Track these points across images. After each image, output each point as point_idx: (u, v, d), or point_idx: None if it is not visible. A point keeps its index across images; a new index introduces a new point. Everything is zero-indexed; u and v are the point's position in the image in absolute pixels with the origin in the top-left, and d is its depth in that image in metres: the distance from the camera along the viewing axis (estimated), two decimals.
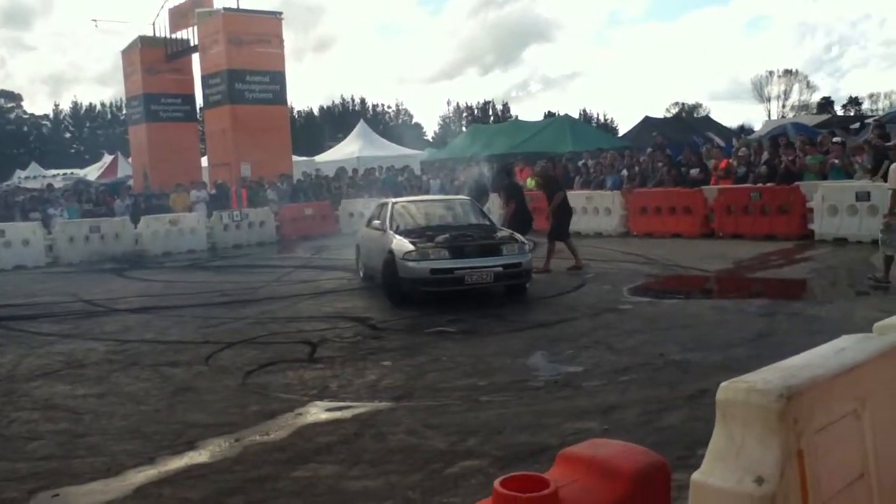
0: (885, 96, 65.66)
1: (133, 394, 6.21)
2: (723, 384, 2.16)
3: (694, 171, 17.09)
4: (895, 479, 2.38)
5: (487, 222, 11.26)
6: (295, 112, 63.39)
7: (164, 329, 8.97)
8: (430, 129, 78.03)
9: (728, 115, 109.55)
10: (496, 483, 1.54)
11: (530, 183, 20.88)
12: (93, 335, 8.76)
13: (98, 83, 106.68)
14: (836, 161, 14.57)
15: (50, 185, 25.12)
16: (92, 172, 38.21)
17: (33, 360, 7.58)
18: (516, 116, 54.84)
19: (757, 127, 34.75)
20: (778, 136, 18.58)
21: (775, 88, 69.59)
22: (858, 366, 2.28)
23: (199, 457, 4.71)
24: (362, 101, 76.61)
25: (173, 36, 29.23)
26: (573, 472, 1.67)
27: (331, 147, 40.99)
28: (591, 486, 1.61)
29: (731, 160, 16.97)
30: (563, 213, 12.71)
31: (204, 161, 29.76)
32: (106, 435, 5.22)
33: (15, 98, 70.13)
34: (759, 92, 70.36)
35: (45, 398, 6.19)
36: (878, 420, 2.31)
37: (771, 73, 70.06)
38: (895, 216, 8.80)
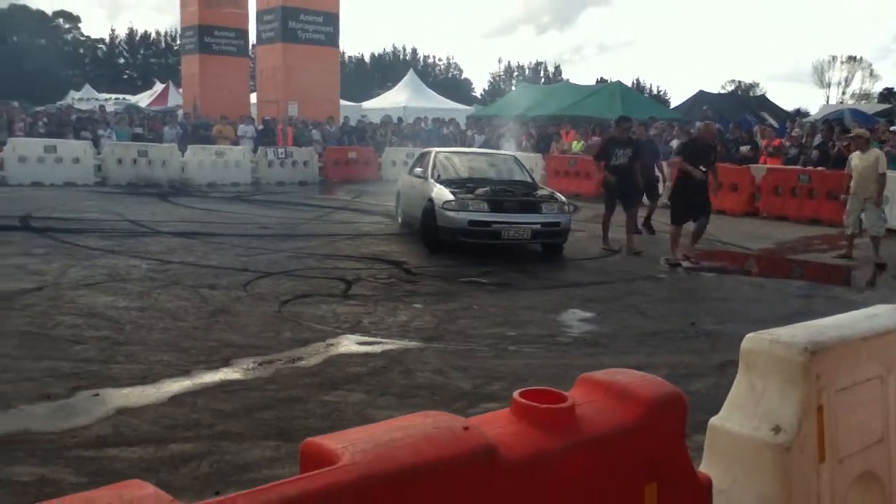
0: None
1: (172, 310, 6.42)
2: (748, 335, 2.20)
3: (744, 149, 16.78)
4: None
5: (529, 179, 11.24)
6: (346, 57, 63.15)
7: (204, 254, 9.19)
8: (479, 85, 77.40)
9: (785, 97, 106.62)
10: (516, 394, 1.61)
11: (576, 146, 20.72)
12: (136, 253, 9.02)
13: (155, 10, 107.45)
14: (891, 149, 14.18)
15: (102, 108, 25.53)
16: (143, 99, 38.67)
17: (78, 271, 7.85)
18: (567, 80, 54.02)
19: (813, 111, 33.85)
20: (833, 121, 18.13)
21: (837, 74, 67.47)
22: (888, 332, 2.30)
23: (232, 373, 4.89)
24: (413, 51, 76.14)
25: None
26: (591, 393, 1.73)
27: (379, 95, 40.91)
28: (606, 407, 1.68)
29: (783, 140, 16.63)
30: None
31: (253, 97, 29.95)
32: (145, 345, 5.43)
33: (73, 19, 70.65)
34: (820, 76, 68.27)
35: (89, 307, 6.43)
36: None
37: (834, 58, 67.87)
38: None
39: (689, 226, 9.93)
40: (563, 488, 1.57)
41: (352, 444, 1.35)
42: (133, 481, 1.18)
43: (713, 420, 2.18)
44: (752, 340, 2.18)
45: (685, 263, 9.61)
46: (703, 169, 9.54)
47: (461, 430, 1.48)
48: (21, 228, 10.65)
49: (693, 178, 9.47)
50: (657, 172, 12.98)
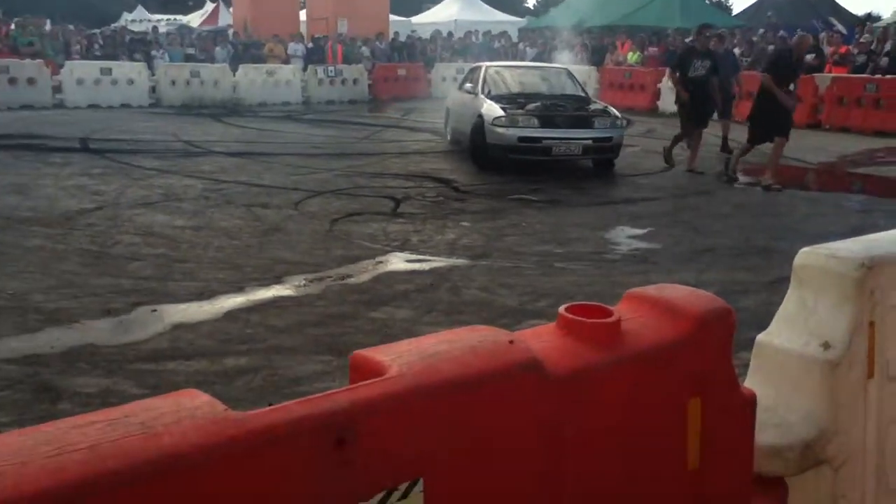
0: None
1: (226, 229, 6.56)
2: (802, 250, 2.14)
3: (809, 57, 15.97)
4: None
5: (582, 93, 10.97)
6: None
7: (257, 173, 9.29)
8: None
9: (856, 0, 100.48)
10: (561, 309, 1.60)
11: (631, 58, 20.06)
12: (190, 173, 9.17)
13: None
14: None
15: (155, 28, 25.56)
16: (195, 19, 38.51)
17: (135, 191, 8.04)
18: None
19: (886, 15, 31.87)
20: None
21: None
22: None
23: (285, 290, 5.00)
24: None
25: None
26: (637, 308, 1.72)
27: (428, 8, 39.92)
28: (653, 322, 1.66)
29: (850, 47, 15.80)
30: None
31: (302, 14, 29.55)
32: (200, 263, 5.58)
33: None
34: None
35: (146, 225, 6.61)
36: None
37: None
38: None
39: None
40: (608, 402, 1.58)
41: (399, 357, 1.37)
42: (189, 391, 1.21)
43: (760, 336, 2.15)
44: (806, 255, 2.12)
45: (769, 184, 8.81)
46: (791, 88, 8.87)
47: (506, 344, 1.48)
48: (80, 150, 10.90)
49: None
50: (734, 88, 12.06)
